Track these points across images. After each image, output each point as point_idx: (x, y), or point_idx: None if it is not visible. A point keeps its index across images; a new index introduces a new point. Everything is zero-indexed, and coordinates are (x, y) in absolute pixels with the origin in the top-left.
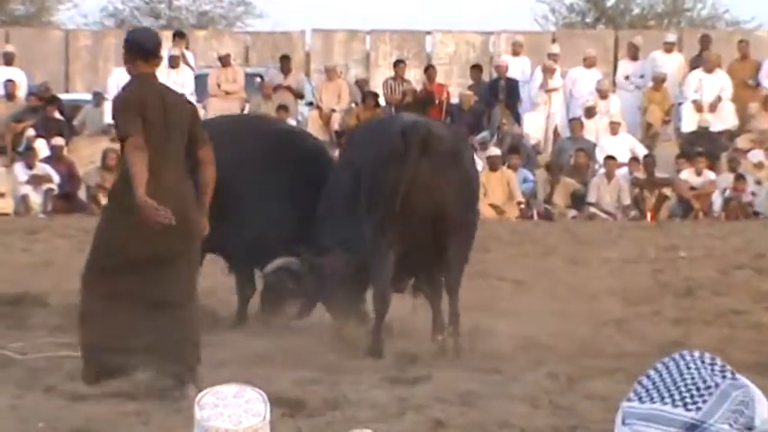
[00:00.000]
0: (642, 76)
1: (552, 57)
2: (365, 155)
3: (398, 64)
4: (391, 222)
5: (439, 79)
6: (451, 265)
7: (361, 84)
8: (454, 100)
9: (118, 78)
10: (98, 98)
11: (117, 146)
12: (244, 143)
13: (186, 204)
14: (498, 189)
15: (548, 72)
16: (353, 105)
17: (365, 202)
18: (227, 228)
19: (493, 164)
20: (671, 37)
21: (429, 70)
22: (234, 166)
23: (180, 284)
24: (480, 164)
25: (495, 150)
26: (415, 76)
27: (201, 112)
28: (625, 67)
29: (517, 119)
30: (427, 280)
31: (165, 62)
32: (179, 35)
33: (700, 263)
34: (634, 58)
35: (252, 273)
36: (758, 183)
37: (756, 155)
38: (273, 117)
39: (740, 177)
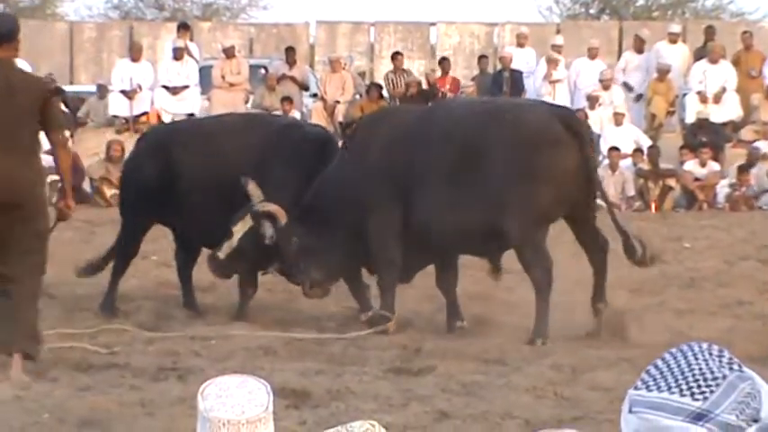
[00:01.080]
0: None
1: (556, 48)
2: (480, 139)
3: (396, 56)
4: (543, 206)
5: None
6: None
7: (362, 75)
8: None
9: (122, 70)
10: (102, 90)
11: (121, 137)
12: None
13: (15, 187)
14: None
15: (551, 63)
16: (358, 97)
17: (502, 185)
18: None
19: None
20: (675, 28)
21: (443, 63)
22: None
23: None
24: None
25: None
26: (418, 68)
27: (205, 104)
28: (630, 59)
29: None
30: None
31: (169, 54)
32: (183, 27)
33: (704, 254)
34: (639, 51)
35: (255, 270)
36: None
37: (761, 146)
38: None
39: (744, 169)
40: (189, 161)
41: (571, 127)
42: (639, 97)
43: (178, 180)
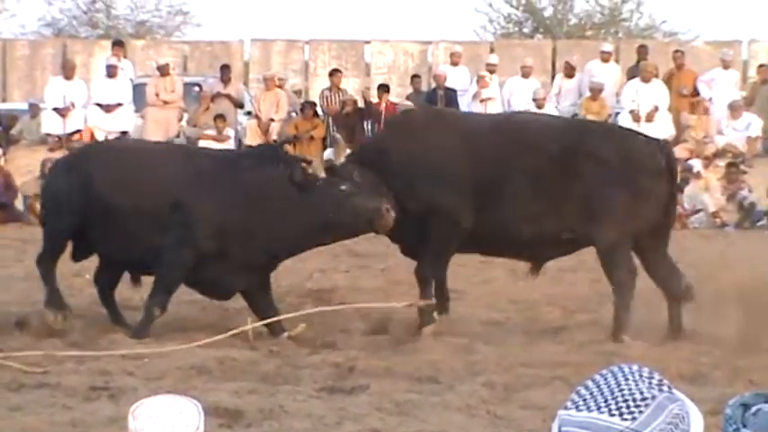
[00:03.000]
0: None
1: (490, 67)
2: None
3: (335, 73)
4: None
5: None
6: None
7: (298, 93)
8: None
9: (55, 88)
10: (34, 109)
11: (55, 155)
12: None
13: None
14: None
15: (481, 82)
16: (294, 114)
17: (605, 197)
18: None
19: None
20: (608, 47)
21: (380, 89)
22: None
23: None
24: None
25: None
26: (353, 86)
27: (139, 122)
28: (562, 83)
29: None
30: None
31: (103, 71)
32: (118, 44)
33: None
34: (570, 76)
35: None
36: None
37: (694, 164)
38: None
39: (677, 188)
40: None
41: (669, 160)
42: (574, 117)
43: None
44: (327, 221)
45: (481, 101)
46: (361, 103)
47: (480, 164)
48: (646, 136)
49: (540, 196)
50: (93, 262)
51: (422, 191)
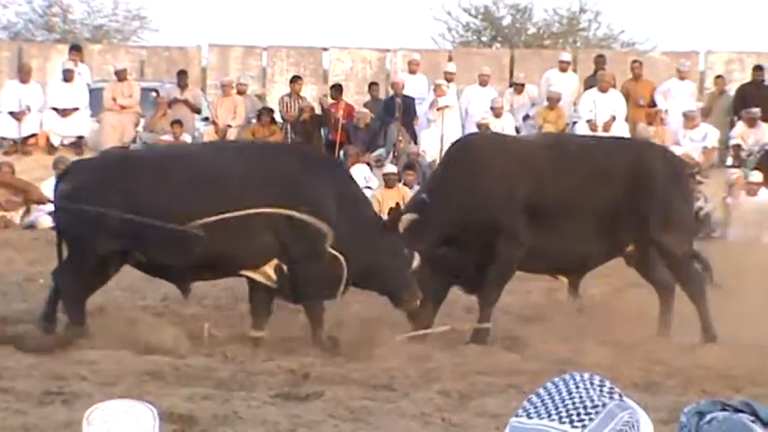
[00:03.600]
0: (527, 117)
1: (448, 75)
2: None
3: (295, 80)
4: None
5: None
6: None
7: (262, 99)
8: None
9: (10, 91)
10: None
11: (10, 159)
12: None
13: None
14: None
15: (438, 90)
16: (254, 121)
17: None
18: None
19: (389, 181)
20: (566, 56)
21: (334, 89)
22: None
23: None
24: (376, 181)
25: (391, 168)
26: (311, 93)
27: (95, 126)
28: (513, 99)
29: (414, 137)
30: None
31: (59, 75)
32: (75, 48)
33: (594, 281)
34: (519, 92)
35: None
36: None
37: None
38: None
39: None
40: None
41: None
42: (526, 117)
43: None
44: (377, 271)
45: (438, 109)
46: (318, 110)
47: (544, 186)
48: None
49: (602, 214)
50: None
51: (491, 214)
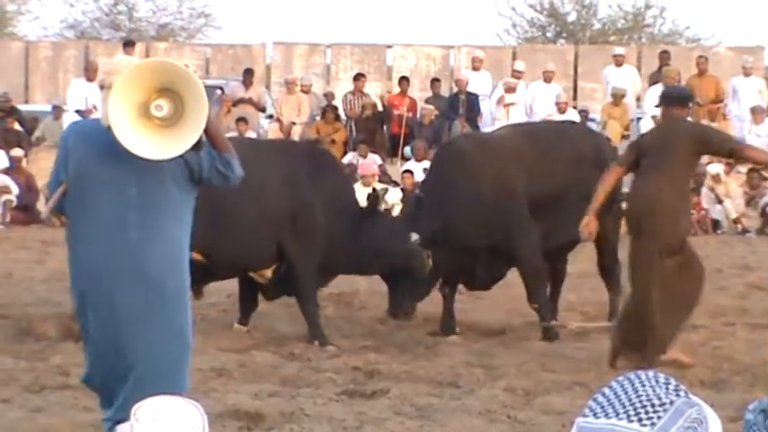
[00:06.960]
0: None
1: (517, 73)
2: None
3: (359, 78)
4: None
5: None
6: None
7: (329, 97)
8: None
9: (77, 90)
10: (57, 111)
11: None
12: None
13: None
14: None
15: (509, 89)
16: (318, 118)
17: None
18: None
19: None
20: (619, 49)
21: (402, 82)
22: None
23: None
24: None
25: None
26: (375, 90)
27: None
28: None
29: None
30: None
31: None
32: (128, 44)
33: None
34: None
35: None
36: (717, 200)
37: (714, 167)
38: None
39: (695, 191)
40: None
41: None
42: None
43: None
44: (382, 253)
45: (504, 106)
46: (380, 108)
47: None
48: None
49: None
50: None
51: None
